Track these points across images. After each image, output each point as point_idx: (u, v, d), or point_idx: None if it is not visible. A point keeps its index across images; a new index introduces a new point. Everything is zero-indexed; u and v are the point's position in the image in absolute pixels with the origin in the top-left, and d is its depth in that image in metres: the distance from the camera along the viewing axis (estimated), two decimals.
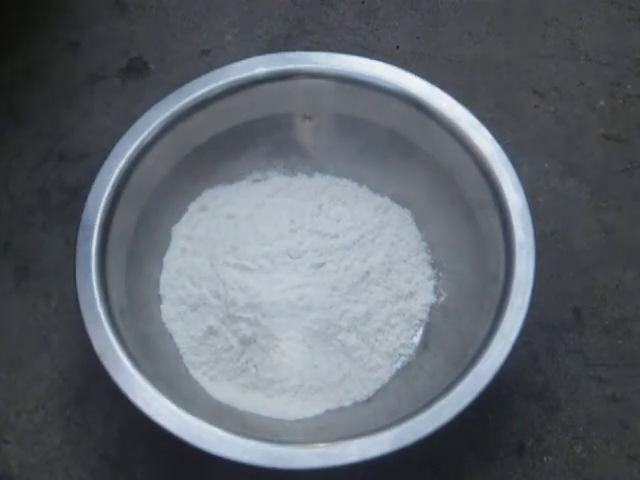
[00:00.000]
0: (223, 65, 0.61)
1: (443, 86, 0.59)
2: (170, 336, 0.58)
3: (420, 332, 0.59)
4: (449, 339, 0.57)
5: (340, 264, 0.58)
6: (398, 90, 0.59)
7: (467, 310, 0.56)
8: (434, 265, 0.61)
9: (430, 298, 0.60)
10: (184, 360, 0.57)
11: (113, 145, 0.57)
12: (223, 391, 0.56)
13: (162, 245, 0.61)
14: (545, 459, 0.57)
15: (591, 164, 0.69)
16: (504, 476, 0.56)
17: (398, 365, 0.58)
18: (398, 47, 0.76)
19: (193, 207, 0.63)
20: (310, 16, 0.78)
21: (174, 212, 0.62)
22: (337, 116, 0.62)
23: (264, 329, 0.56)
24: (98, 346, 0.50)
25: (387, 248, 0.60)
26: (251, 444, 0.47)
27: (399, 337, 0.58)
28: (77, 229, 0.54)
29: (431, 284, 0.61)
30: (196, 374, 0.57)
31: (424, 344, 0.59)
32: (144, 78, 0.74)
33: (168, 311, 0.59)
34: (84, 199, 0.55)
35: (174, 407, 0.48)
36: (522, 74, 0.74)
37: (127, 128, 0.58)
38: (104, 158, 0.57)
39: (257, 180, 0.64)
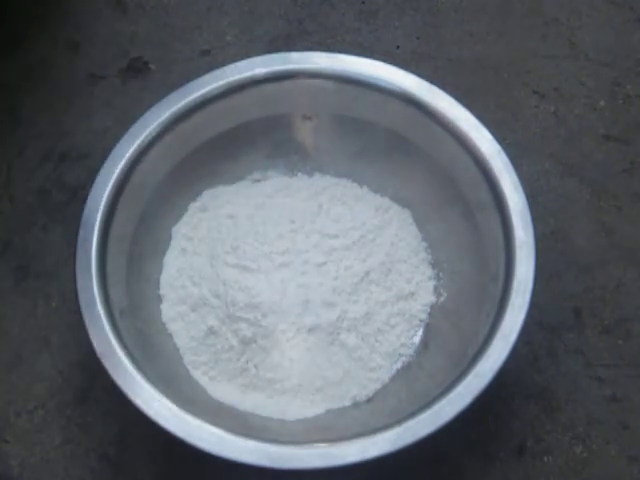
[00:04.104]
0: (223, 65, 0.61)
1: (443, 86, 0.59)
2: (170, 336, 0.58)
3: (420, 332, 0.59)
4: (449, 339, 0.57)
5: (340, 264, 0.58)
6: (398, 90, 0.59)
7: (467, 310, 0.56)
8: (434, 265, 0.61)
9: (430, 298, 0.60)
10: (184, 360, 0.57)
11: (113, 145, 0.57)
12: (223, 391, 0.56)
13: (162, 245, 0.61)
14: (545, 459, 0.57)
15: (591, 164, 0.69)
16: (504, 476, 0.56)
17: (398, 365, 0.58)
18: (398, 47, 0.76)
19: (193, 207, 0.63)
20: (310, 16, 0.78)
21: (174, 212, 0.62)
22: (337, 116, 0.62)
23: (264, 329, 0.56)
24: (98, 346, 0.50)
25: (387, 248, 0.60)
26: (251, 444, 0.47)
27: (399, 337, 0.58)
28: (77, 229, 0.54)
29: (431, 284, 0.61)
30: (196, 374, 0.57)
31: (424, 344, 0.59)
32: (144, 78, 0.74)
33: (168, 311, 0.59)
34: (84, 199, 0.55)
35: (174, 407, 0.48)
36: (522, 74, 0.74)
37: (127, 128, 0.58)
38: (104, 158, 0.57)
39: (257, 180, 0.64)
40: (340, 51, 0.62)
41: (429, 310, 0.60)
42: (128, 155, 0.57)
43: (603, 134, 0.71)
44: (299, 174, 0.65)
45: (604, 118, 0.72)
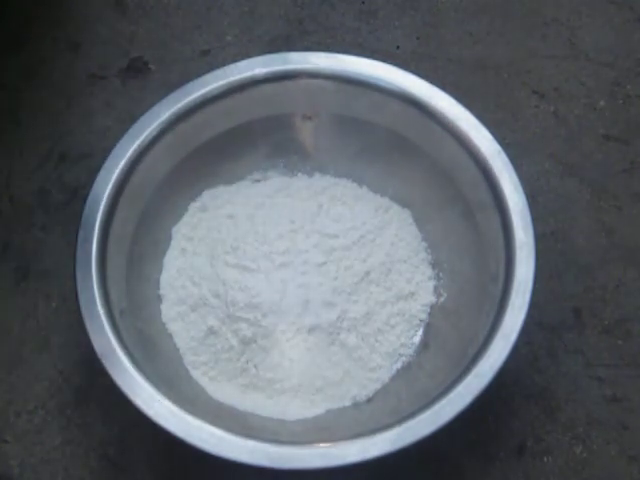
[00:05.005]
0: (223, 65, 0.61)
1: (443, 86, 0.59)
2: (170, 336, 0.58)
3: (420, 332, 0.59)
4: (449, 339, 0.57)
5: (340, 264, 0.58)
6: (398, 90, 0.59)
7: (467, 310, 0.56)
8: (434, 265, 0.61)
9: (430, 298, 0.60)
10: (184, 360, 0.57)
11: (113, 145, 0.57)
12: (223, 391, 0.56)
13: (162, 245, 0.61)
14: (545, 459, 0.57)
15: (591, 164, 0.69)
16: (504, 476, 0.56)
17: (398, 365, 0.58)
18: (398, 47, 0.76)
19: (193, 207, 0.63)
20: (310, 16, 0.78)
21: (174, 212, 0.62)
22: (337, 116, 0.62)
23: (264, 329, 0.56)
24: (98, 346, 0.50)
25: (387, 248, 0.60)
26: (251, 444, 0.47)
27: (399, 337, 0.58)
28: (77, 229, 0.54)
29: (431, 284, 0.61)
30: (196, 374, 0.57)
31: (424, 344, 0.59)
32: (144, 78, 0.74)
33: (168, 311, 0.59)
34: (84, 199, 0.55)
35: (174, 407, 0.48)
36: (522, 74, 0.74)
37: (127, 128, 0.58)
38: (104, 158, 0.57)
39: (257, 180, 0.64)
40: (340, 51, 0.62)
41: (429, 310, 0.60)
42: (128, 155, 0.57)
43: (603, 134, 0.71)
44: (299, 174, 0.65)
45: (604, 118, 0.71)
